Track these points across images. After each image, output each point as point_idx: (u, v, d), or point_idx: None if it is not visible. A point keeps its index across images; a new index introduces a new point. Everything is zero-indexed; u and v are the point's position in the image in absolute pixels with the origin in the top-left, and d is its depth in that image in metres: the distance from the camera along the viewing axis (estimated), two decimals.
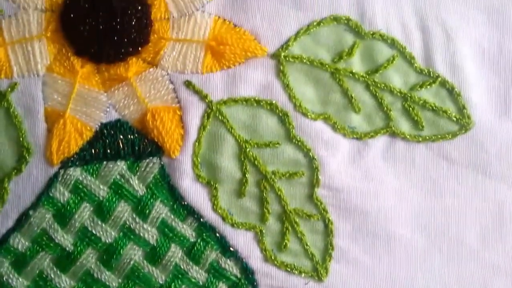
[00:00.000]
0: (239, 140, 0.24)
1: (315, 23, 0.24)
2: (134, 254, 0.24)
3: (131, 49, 0.23)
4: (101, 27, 0.23)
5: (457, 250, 0.26)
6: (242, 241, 0.24)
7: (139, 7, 0.23)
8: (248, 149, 0.24)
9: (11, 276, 0.24)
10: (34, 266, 0.24)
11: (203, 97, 0.24)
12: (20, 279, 0.24)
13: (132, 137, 0.24)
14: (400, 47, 0.25)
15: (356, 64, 0.25)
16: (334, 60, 0.25)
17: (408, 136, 0.25)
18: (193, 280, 0.25)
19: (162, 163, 0.24)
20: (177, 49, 0.24)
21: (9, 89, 0.24)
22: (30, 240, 0.24)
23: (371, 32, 0.25)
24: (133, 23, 0.23)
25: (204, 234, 0.24)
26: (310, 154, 0.25)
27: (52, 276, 0.24)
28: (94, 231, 0.24)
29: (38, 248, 0.24)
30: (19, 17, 0.24)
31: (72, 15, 0.23)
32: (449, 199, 0.25)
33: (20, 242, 0.24)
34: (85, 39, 0.23)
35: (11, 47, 0.24)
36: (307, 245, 0.25)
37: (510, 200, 0.26)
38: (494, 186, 0.25)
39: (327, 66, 0.25)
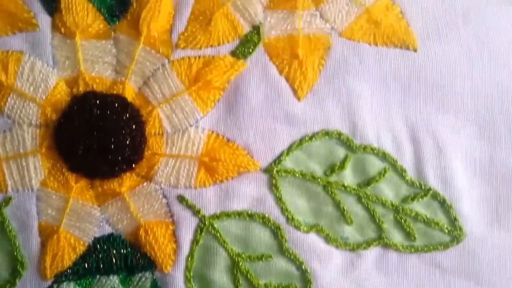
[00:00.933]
0: (231, 254, 0.25)
1: (307, 138, 0.25)
2: None
3: (125, 166, 0.24)
4: (95, 145, 0.24)
5: None
6: None
7: (134, 125, 0.24)
8: (240, 263, 0.24)
9: None
10: None
11: (195, 212, 0.24)
12: None
13: (125, 251, 0.24)
14: (391, 160, 0.25)
15: (348, 177, 0.25)
16: (326, 173, 0.25)
17: (400, 247, 0.25)
18: None
19: (154, 277, 0.24)
20: (170, 164, 0.24)
21: (3, 203, 0.24)
22: None
23: (363, 146, 0.25)
24: (128, 141, 0.24)
25: None
26: (303, 267, 0.25)
27: None
28: None
29: None
30: (13, 133, 0.24)
31: (66, 133, 0.24)
32: None
33: None
34: (79, 156, 0.24)
35: (6, 162, 0.24)
36: None
37: None
38: None
39: (319, 179, 0.25)
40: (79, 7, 0.24)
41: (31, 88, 0.24)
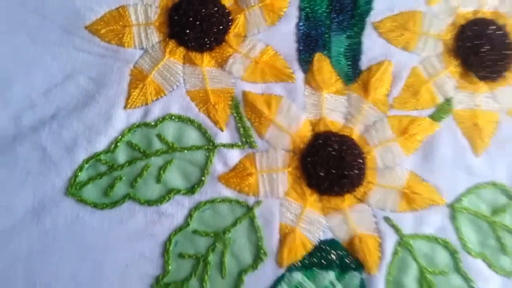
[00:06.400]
0: (420, 266, 0.32)
1: (480, 186, 0.33)
2: None
3: (351, 188, 0.32)
4: (332, 170, 0.32)
5: None
6: None
7: (359, 159, 0.32)
8: (426, 274, 0.32)
9: None
10: None
11: (397, 230, 0.32)
12: None
13: (341, 253, 0.32)
14: None
15: (507, 219, 0.33)
16: (492, 214, 0.33)
17: None
18: None
19: (362, 277, 0.32)
20: (380, 192, 0.33)
21: (255, 205, 0.32)
22: None
23: None
24: (355, 171, 0.32)
25: None
26: (472, 284, 0.32)
27: None
28: None
29: None
30: (270, 154, 0.33)
31: (309, 158, 0.32)
32: None
33: None
34: (318, 178, 0.32)
35: (261, 174, 0.32)
36: None
37: None
38: None
39: (486, 217, 0.33)
40: (326, 71, 0.34)
41: (286, 123, 0.33)
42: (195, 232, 0.32)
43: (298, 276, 0.31)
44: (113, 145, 0.33)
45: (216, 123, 0.33)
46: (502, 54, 0.35)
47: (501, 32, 0.35)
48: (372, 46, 0.35)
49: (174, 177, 0.32)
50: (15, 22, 0.35)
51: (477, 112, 0.34)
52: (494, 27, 0.35)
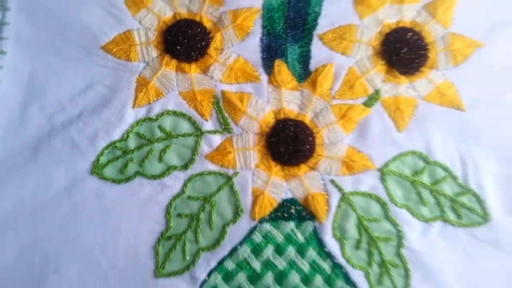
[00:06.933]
0: (358, 216, 0.42)
1: (403, 154, 0.44)
2: (295, 278, 0.41)
3: (304, 160, 0.42)
4: (290, 147, 0.42)
5: None
6: (358, 277, 0.41)
7: (310, 138, 0.43)
8: (363, 221, 0.42)
9: (221, 285, 0.41)
10: (235, 280, 0.41)
11: (340, 189, 0.43)
12: None
13: (299, 208, 0.42)
14: (449, 171, 0.44)
15: (424, 178, 0.44)
16: (412, 175, 0.43)
17: (453, 223, 0.43)
18: None
19: (314, 225, 0.42)
20: (327, 161, 0.43)
21: (234, 175, 0.42)
22: (235, 263, 0.41)
23: (434, 162, 0.44)
24: (307, 146, 0.42)
25: (336, 270, 0.41)
26: (399, 228, 0.42)
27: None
28: (273, 261, 0.41)
29: (239, 269, 0.41)
30: (243, 137, 0.44)
31: (273, 139, 0.43)
32: (479, 263, 0.42)
33: (230, 264, 0.41)
34: (279, 153, 0.42)
35: (237, 152, 0.43)
36: (395, 283, 0.41)
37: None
38: (504, 258, 0.42)
39: (408, 178, 0.43)
40: (284, 73, 0.45)
41: (255, 113, 0.44)
42: (189, 197, 0.42)
43: (266, 226, 0.42)
44: (125, 135, 0.43)
45: (202, 115, 0.44)
46: (418, 54, 0.46)
47: (417, 37, 0.46)
48: (318, 52, 0.46)
49: (172, 157, 0.43)
50: (45, 44, 0.46)
51: (399, 99, 0.45)
52: (412, 33, 0.46)
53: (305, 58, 0.46)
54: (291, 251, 0.42)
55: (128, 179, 0.43)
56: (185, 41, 0.45)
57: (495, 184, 0.44)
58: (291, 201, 0.43)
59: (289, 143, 0.43)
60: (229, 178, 0.43)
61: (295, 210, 0.43)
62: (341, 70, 0.45)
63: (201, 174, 0.43)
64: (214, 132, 0.44)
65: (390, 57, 0.45)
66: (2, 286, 0.41)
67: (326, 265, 0.42)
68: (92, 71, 0.45)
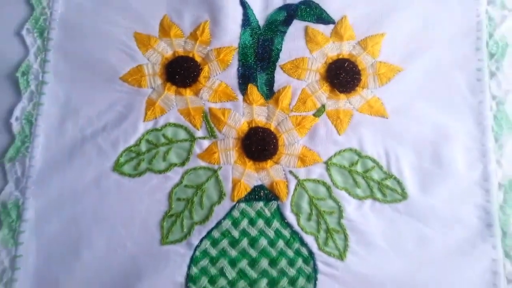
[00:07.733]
0: (310, 196, 0.57)
1: (342, 150, 0.59)
2: (263, 242, 0.56)
3: (269, 157, 0.58)
4: (259, 147, 0.57)
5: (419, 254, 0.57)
6: (310, 240, 0.56)
7: (275, 140, 0.58)
8: (313, 200, 0.57)
9: (209, 251, 0.55)
10: (220, 245, 0.56)
11: (296, 177, 0.58)
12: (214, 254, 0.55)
13: (266, 192, 0.58)
14: (376, 162, 0.59)
15: (358, 168, 0.59)
16: (349, 166, 0.59)
17: (381, 200, 0.58)
18: (286, 255, 0.56)
19: (278, 203, 0.57)
20: (287, 157, 0.59)
21: (218, 169, 0.58)
22: (220, 233, 0.56)
23: (365, 155, 0.59)
24: (272, 147, 0.58)
25: (293, 235, 0.56)
26: (339, 204, 0.58)
27: (228, 251, 0.55)
28: (248, 230, 0.56)
29: (223, 236, 0.56)
30: (225, 141, 0.59)
31: (247, 141, 0.58)
32: (398, 228, 0.57)
33: (216, 234, 0.56)
34: (251, 152, 0.58)
35: (221, 152, 0.58)
36: (337, 244, 0.56)
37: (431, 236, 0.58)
38: (416, 224, 0.57)
39: (347, 168, 0.59)
40: (255, 94, 0.61)
41: (233, 123, 0.59)
42: (185, 186, 0.58)
43: (242, 205, 0.57)
44: (138, 142, 0.59)
45: (194, 126, 0.60)
46: (353, 77, 0.62)
47: (352, 65, 0.62)
48: (280, 78, 0.62)
49: (173, 157, 0.59)
50: (77, 76, 0.61)
51: (339, 111, 0.61)
52: (348, 62, 0.62)
53: (270, 82, 0.62)
54: (260, 223, 0.57)
55: (140, 173, 0.58)
56: (181, 72, 0.61)
57: (411, 171, 0.60)
58: (261, 187, 0.58)
59: (258, 144, 0.58)
60: (215, 171, 0.58)
61: (263, 193, 0.58)
62: (297, 90, 0.61)
63: (194, 169, 0.58)
64: (204, 138, 0.59)
65: (332, 81, 0.61)
66: (48, 252, 0.55)
67: (286, 232, 0.57)
68: (113, 95, 0.61)
